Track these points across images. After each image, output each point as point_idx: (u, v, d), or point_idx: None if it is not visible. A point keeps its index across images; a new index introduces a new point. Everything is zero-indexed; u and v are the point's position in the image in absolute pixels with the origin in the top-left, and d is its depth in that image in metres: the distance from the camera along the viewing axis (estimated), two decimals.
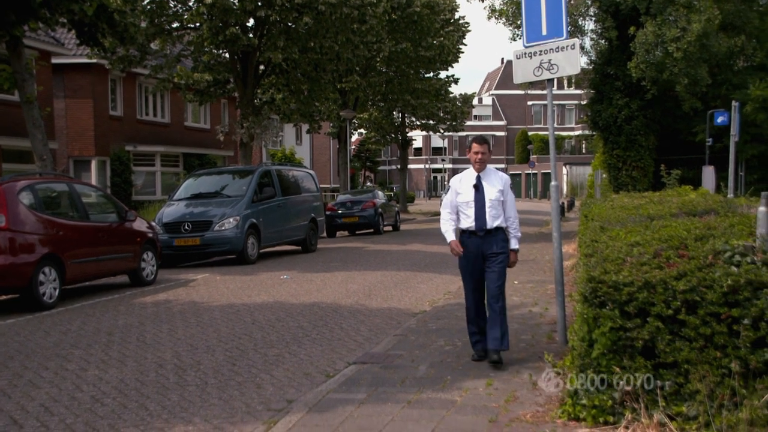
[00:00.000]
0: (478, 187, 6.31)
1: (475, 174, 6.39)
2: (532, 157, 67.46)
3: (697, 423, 4.32)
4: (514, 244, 6.42)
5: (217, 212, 16.19)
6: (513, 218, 6.42)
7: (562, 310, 7.00)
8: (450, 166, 76.76)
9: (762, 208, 4.85)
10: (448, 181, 6.37)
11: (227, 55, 24.78)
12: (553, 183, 7.30)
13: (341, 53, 24.91)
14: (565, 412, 4.74)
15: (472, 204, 6.31)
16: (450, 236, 6.45)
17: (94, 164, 27.79)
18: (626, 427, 4.39)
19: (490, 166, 6.50)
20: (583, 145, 70.32)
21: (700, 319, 4.42)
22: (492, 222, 6.29)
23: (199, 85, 26.10)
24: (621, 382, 4.50)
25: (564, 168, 62.40)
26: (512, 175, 75.06)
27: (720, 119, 21.06)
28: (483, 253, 6.32)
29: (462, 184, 6.44)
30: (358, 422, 4.97)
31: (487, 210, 6.27)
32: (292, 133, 48.31)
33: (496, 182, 6.38)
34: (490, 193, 6.31)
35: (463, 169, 7.09)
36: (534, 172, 68.81)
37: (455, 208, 6.46)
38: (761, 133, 22.95)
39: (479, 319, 6.48)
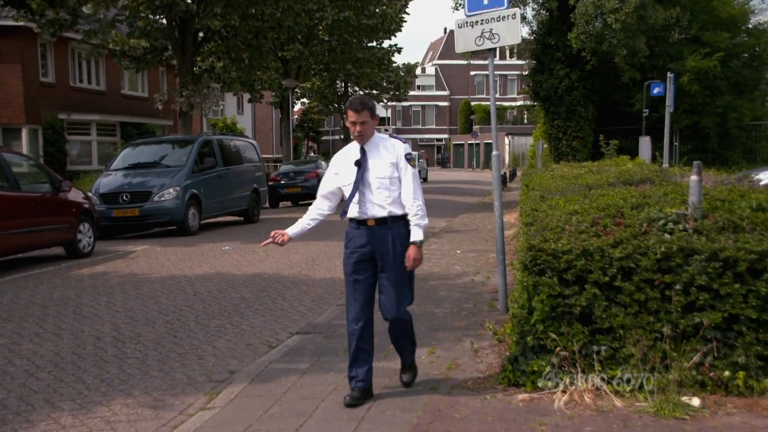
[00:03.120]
0: (361, 164, 4.73)
1: (359, 146, 4.77)
2: (475, 127, 67.87)
3: (630, 386, 4.47)
4: (415, 235, 4.66)
5: (156, 182, 15.86)
6: (414, 199, 4.69)
7: (503, 279, 7.11)
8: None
9: (694, 177, 4.98)
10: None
11: (164, 21, 24.09)
12: (494, 153, 7.36)
13: (282, 21, 24.48)
14: (505, 379, 4.82)
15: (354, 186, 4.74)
16: (292, 229, 4.84)
17: (24, 133, 26.81)
18: (564, 392, 4.50)
19: (381, 135, 4.88)
20: (525, 116, 71.06)
21: (634, 285, 4.55)
22: (381, 208, 4.67)
23: (136, 52, 25.35)
24: (559, 348, 4.60)
25: (506, 138, 63.01)
26: (455, 146, 75.50)
27: (656, 90, 21.50)
28: (373, 252, 4.70)
29: (343, 162, 4.83)
30: (301, 392, 4.98)
31: (374, 191, 4.67)
32: (233, 103, 47.51)
33: (387, 154, 4.73)
34: (378, 169, 4.69)
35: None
36: (477, 142, 69.32)
37: (333, 194, 4.93)
38: (695, 104, 23.53)
39: (364, 344, 4.78)
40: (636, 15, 20.62)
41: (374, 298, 4.78)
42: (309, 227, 4.90)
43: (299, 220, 4.87)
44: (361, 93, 44.99)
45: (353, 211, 4.76)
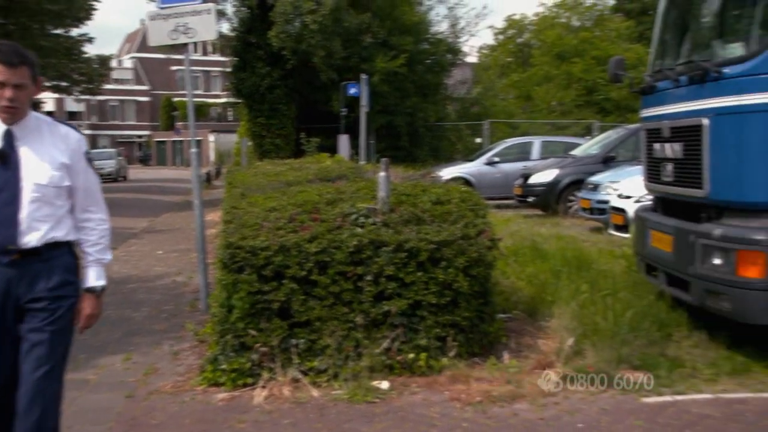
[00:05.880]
0: (7, 157, 2.92)
1: (3, 128, 2.95)
2: (178, 123, 66.01)
3: (327, 375, 4.65)
4: (93, 279, 3.09)
5: None
6: (98, 220, 3.12)
7: (204, 278, 7.00)
8: (89, 132, 71.65)
9: (381, 173, 5.31)
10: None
11: None
12: (192, 150, 7.23)
13: None
14: (205, 379, 4.73)
15: None
16: None
17: None
18: (263, 387, 4.54)
19: (41, 115, 3.10)
20: (230, 113, 70.72)
21: (330, 278, 4.73)
22: (36, 232, 2.94)
23: None
24: (258, 344, 4.63)
25: (211, 135, 62.25)
26: (158, 143, 72.75)
27: (352, 90, 22.60)
28: (16, 299, 2.94)
29: None
30: None
31: (26, 205, 2.92)
32: None
33: (54, 148, 3.01)
34: (38, 169, 2.95)
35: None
36: (180, 139, 67.47)
37: None
38: (388, 105, 25.19)
39: None
40: (332, 17, 21.54)
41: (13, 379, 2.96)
42: None
43: None
44: (46, 83, 41.46)
45: None
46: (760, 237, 4.61)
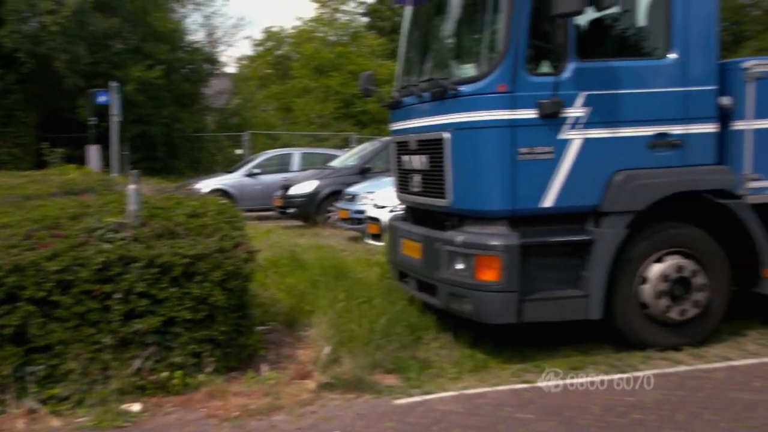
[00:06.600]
0: None
1: None
2: None
3: (70, 402, 4.33)
4: None
5: None
6: None
7: None
8: None
9: (131, 186, 5.07)
10: None
11: None
12: None
13: None
14: None
15: None
16: None
17: None
18: None
19: None
20: None
21: (73, 298, 4.42)
22: None
23: None
24: None
25: None
26: None
27: (102, 98, 21.31)
28: None
29: None
30: None
31: None
32: None
33: None
34: None
35: None
36: None
37: None
38: (143, 114, 24.06)
39: None
40: (75, 19, 20.20)
41: None
42: None
43: None
44: None
45: None
46: (494, 243, 5.03)
